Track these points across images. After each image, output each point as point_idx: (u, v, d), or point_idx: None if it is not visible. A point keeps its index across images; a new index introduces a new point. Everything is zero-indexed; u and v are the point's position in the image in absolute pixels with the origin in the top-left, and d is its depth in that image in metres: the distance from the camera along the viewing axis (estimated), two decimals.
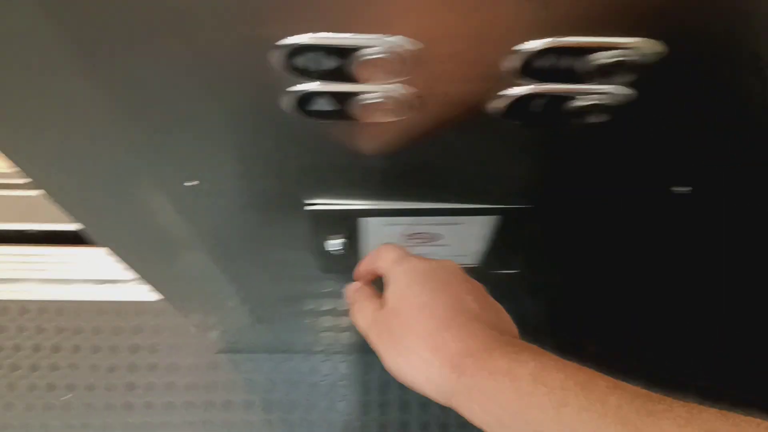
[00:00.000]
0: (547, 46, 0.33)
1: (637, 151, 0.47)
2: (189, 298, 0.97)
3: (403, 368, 0.41)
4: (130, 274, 1.32)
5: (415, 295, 0.43)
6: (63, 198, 0.56)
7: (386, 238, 0.64)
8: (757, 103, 0.40)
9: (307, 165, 0.49)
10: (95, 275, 1.41)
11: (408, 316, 0.42)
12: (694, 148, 0.47)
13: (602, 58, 0.34)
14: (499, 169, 0.50)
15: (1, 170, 1.40)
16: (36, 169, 0.52)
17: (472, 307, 0.42)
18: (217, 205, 0.57)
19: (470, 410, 0.37)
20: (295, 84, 0.38)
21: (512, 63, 0.35)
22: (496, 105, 0.39)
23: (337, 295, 0.90)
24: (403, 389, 1.29)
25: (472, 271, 0.73)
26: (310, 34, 0.33)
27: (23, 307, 1.38)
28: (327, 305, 0.99)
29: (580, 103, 0.38)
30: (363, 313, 0.47)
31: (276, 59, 0.35)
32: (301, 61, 0.35)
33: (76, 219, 0.60)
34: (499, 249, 0.66)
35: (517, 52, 0.34)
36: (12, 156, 0.49)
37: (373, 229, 0.61)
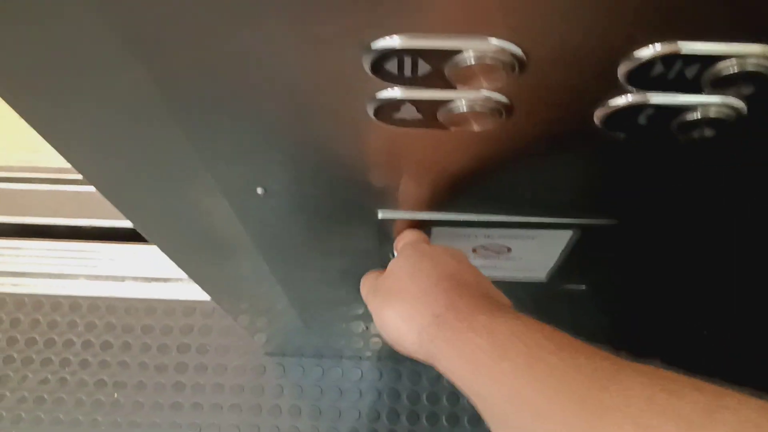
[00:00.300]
0: (664, 53, 0.30)
1: (740, 171, 0.44)
2: (238, 300, 0.96)
3: (387, 322, 0.44)
4: (180, 273, 1.33)
5: (411, 263, 0.47)
6: (117, 197, 0.55)
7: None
8: None
9: (386, 174, 0.47)
10: (146, 273, 1.42)
11: (400, 276, 0.46)
12: None
13: (725, 67, 0.31)
14: (585, 182, 0.47)
15: (53, 165, 1.42)
16: (93, 170, 0.50)
17: (466, 277, 0.44)
18: (284, 213, 0.55)
19: (447, 362, 0.38)
20: (382, 90, 0.35)
21: (622, 71, 0.32)
22: (597, 115, 0.36)
23: None
24: (453, 401, 1.26)
25: (539, 287, 0.71)
26: (403, 37, 0.31)
27: (74, 302, 1.38)
28: None
29: (691, 116, 0.35)
30: (366, 282, 0.54)
31: (367, 63, 0.32)
32: (391, 65, 0.33)
33: (128, 216, 0.59)
34: (572, 264, 0.63)
35: (630, 59, 0.31)
36: (68, 155, 0.48)
37: (443, 240, 0.58)
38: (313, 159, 0.45)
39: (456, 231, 0.57)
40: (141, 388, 1.30)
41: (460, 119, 0.36)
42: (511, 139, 0.40)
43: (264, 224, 0.58)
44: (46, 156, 1.42)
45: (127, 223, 1.42)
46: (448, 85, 0.34)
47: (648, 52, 0.31)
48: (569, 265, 0.63)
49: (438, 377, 1.28)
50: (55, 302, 1.38)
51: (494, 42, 0.30)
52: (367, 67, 0.33)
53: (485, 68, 0.31)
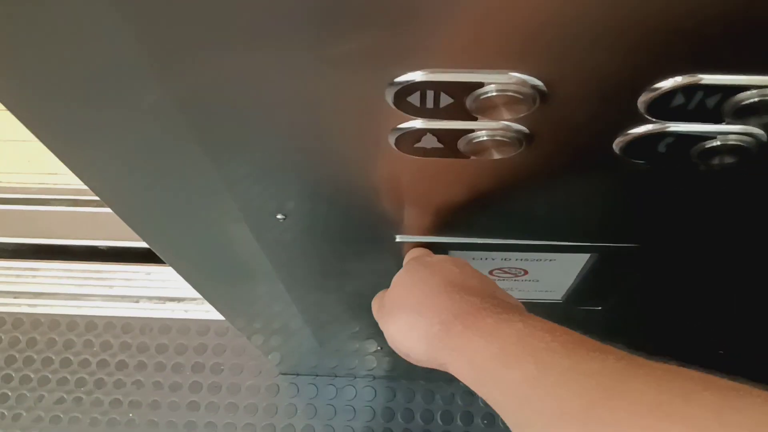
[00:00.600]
0: (685, 84, 0.31)
1: (759, 196, 0.44)
2: (253, 320, 0.96)
3: (396, 336, 0.44)
4: (195, 293, 1.33)
5: (411, 275, 0.47)
6: (135, 220, 0.56)
7: None
8: None
9: (405, 201, 0.47)
10: (161, 293, 1.42)
11: (402, 288, 0.46)
12: None
13: (746, 97, 0.31)
14: (605, 207, 0.47)
15: (70, 187, 1.43)
16: (113, 193, 0.51)
17: (469, 281, 0.44)
18: (303, 238, 0.56)
19: (458, 369, 0.38)
20: (404, 121, 0.36)
21: (643, 101, 0.33)
22: (617, 144, 0.36)
23: None
24: (467, 420, 1.26)
25: (554, 307, 0.71)
26: (426, 72, 0.31)
27: (91, 322, 1.39)
28: None
29: (711, 144, 0.35)
30: (375, 300, 0.53)
31: (390, 96, 0.33)
32: (413, 98, 0.33)
33: (145, 239, 0.59)
34: (589, 286, 0.63)
35: (650, 90, 0.32)
36: (88, 180, 0.49)
37: None
38: (333, 186, 0.46)
39: (473, 254, 0.57)
40: (156, 407, 1.31)
41: (481, 148, 0.37)
42: (530, 167, 0.40)
43: (282, 248, 0.59)
44: (63, 178, 1.44)
45: (142, 244, 1.43)
46: (469, 117, 0.34)
47: (669, 83, 0.31)
48: (586, 287, 0.63)
49: (452, 396, 1.28)
50: (71, 322, 1.39)
51: (516, 75, 0.31)
52: (390, 100, 0.33)
53: (507, 100, 0.32)
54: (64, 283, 1.43)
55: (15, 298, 1.43)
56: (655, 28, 0.28)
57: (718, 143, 0.35)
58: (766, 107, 0.31)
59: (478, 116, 0.34)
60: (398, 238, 0.54)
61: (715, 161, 0.36)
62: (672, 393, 0.28)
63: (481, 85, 0.31)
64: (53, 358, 1.36)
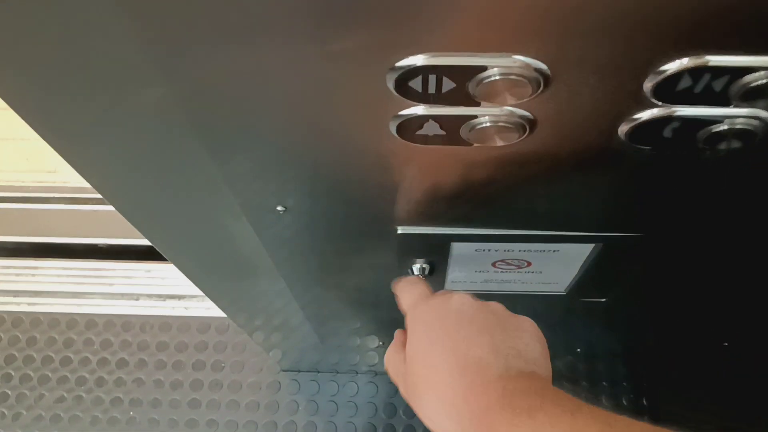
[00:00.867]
0: (692, 66, 0.30)
1: (766, 182, 0.44)
2: (254, 316, 0.96)
3: (427, 423, 0.41)
4: (194, 290, 1.33)
5: (424, 355, 0.42)
6: (136, 216, 0.55)
7: (474, 264, 0.61)
8: None
9: (406, 191, 0.46)
10: (161, 291, 1.42)
11: (419, 369, 0.42)
12: None
13: (754, 79, 0.31)
14: (609, 196, 0.47)
15: (69, 185, 1.43)
16: (114, 190, 0.51)
17: (481, 356, 0.40)
18: (303, 230, 0.55)
19: None
20: (405, 108, 0.35)
21: (649, 85, 0.32)
22: (621, 129, 0.36)
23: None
24: None
25: (558, 300, 0.70)
26: (428, 55, 0.31)
27: (91, 320, 1.39)
28: (396, 327, 0.97)
29: (717, 128, 0.34)
30: (390, 361, 0.48)
31: (391, 81, 0.32)
32: (415, 83, 0.33)
33: (146, 235, 0.58)
34: (593, 277, 0.63)
35: (656, 73, 0.31)
36: (89, 176, 0.48)
37: (462, 254, 0.58)
38: (333, 176, 0.45)
39: (475, 245, 0.56)
40: (156, 405, 1.30)
41: (484, 135, 0.36)
42: (533, 154, 0.40)
43: (283, 241, 0.58)
44: (62, 176, 1.43)
45: (141, 242, 1.43)
46: (472, 102, 0.34)
47: (675, 65, 0.30)
48: (590, 278, 0.63)
49: None
50: (71, 320, 1.39)
51: (519, 58, 0.30)
52: (391, 85, 0.33)
53: (510, 84, 0.31)
54: (64, 281, 1.43)
55: (14, 296, 1.42)
56: (661, 8, 0.27)
57: (725, 127, 0.34)
58: None
59: (481, 101, 0.33)
60: (400, 230, 0.53)
61: (722, 146, 0.36)
62: None
63: (484, 69, 0.31)
64: (53, 356, 1.36)
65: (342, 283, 0.73)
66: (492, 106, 0.34)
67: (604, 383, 1.22)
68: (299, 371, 1.33)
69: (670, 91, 0.32)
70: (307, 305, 0.83)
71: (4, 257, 1.47)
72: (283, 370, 1.33)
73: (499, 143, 0.37)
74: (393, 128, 0.37)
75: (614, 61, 0.31)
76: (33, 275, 1.44)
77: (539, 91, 0.32)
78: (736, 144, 0.35)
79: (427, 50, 0.30)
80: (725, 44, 0.29)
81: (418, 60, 0.31)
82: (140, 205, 0.54)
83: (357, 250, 0.60)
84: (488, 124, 0.35)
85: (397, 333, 0.50)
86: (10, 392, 1.32)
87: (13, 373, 1.34)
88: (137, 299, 1.41)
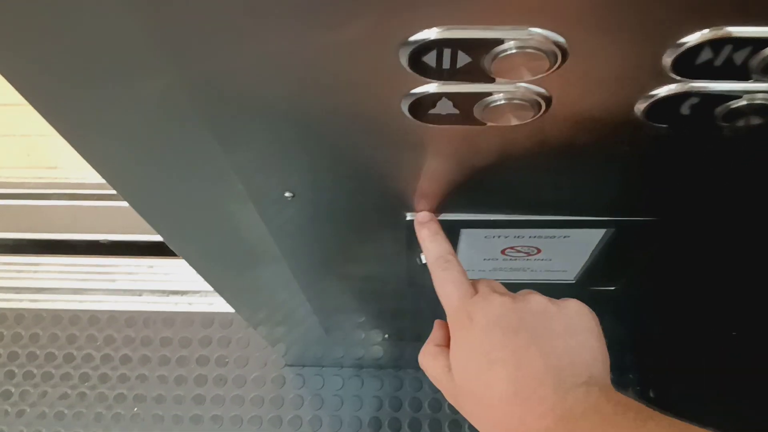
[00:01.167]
0: (714, 38, 0.30)
1: None
2: (261, 309, 0.95)
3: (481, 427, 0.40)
4: (198, 286, 1.32)
5: (475, 374, 0.40)
6: (145, 206, 0.55)
7: (483, 251, 0.61)
8: None
9: (416, 175, 0.46)
10: (164, 286, 1.41)
11: (471, 398, 0.40)
12: None
13: None
14: (624, 178, 0.46)
15: (70, 181, 1.42)
16: (122, 179, 0.50)
17: (532, 373, 0.37)
18: (311, 217, 0.55)
19: None
20: (418, 85, 0.34)
21: (668, 59, 0.31)
22: (639, 107, 0.35)
23: (414, 311, 0.87)
24: None
25: (567, 288, 0.69)
26: (442, 28, 0.30)
27: (93, 316, 1.38)
28: (401, 320, 0.96)
29: (737, 104, 0.34)
30: (431, 369, 0.44)
31: (404, 57, 0.32)
32: (429, 58, 0.32)
33: (155, 226, 0.58)
34: (603, 265, 0.62)
35: (676, 46, 0.30)
36: (101, 168, 0.48)
37: (471, 242, 0.57)
38: (342, 161, 0.45)
39: (485, 232, 0.56)
40: (161, 401, 1.30)
41: (498, 113, 0.35)
42: (548, 134, 0.39)
43: (290, 229, 0.57)
44: (62, 172, 1.43)
45: (144, 237, 1.42)
46: (487, 78, 0.33)
47: (696, 37, 0.30)
48: (600, 265, 0.62)
49: None
50: (74, 317, 1.38)
51: (537, 31, 0.30)
52: (404, 61, 0.32)
53: (527, 58, 0.31)
54: (66, 277, 1.42)
55: (17, 293, 1.42)
56: None
57: (744, 103, 0.34)
58: None
59: (496, 77, 0.33)
60: (408, 216, 0.53)
61: (741, 123, 0.35)
62: None
63: (500, 42, 0.30)
64: (56, 353, 1.35)
65: (348, 272, 0.72)
66: (507, 82, 0.33)
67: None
68: (304, 366, 1.32)
69: (689, 64, 0.31)
70: (313, 297, 0.82)
71: (6, 254, 1.46)
72: (288, 365, 1.32)
73: (514, 122, 0.36)
74: (405, 107, 0.36)
75: (633, 33, 0.30)
76: (35, 272, 1.43)
77: (556, 66, 0.31)
78: (755, 120, 0.35)
79: (442, 23, 0.30)
80: (747, 15, 0.29)
81: (432, 33, 0.30)
82: (146, 193, 0.53)
83: (365, 237, 0.60)
84: (503, 102, 0.35)
85: (438, 326, 0.47)
86: (13, 389, 1.32)
87: (16, 370, 1.34)
88: (140, 295, 1.41)
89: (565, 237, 0.56)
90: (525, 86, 0.34)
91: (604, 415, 0.34)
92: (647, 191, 0.48)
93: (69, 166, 1.41)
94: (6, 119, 1.44)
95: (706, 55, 0.31)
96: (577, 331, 0.40)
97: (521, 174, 0.45)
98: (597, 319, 0.42)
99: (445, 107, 0.36)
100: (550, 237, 0.56)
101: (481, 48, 0.31)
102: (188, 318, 1.37)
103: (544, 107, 0.35)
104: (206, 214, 0.57)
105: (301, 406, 1.29)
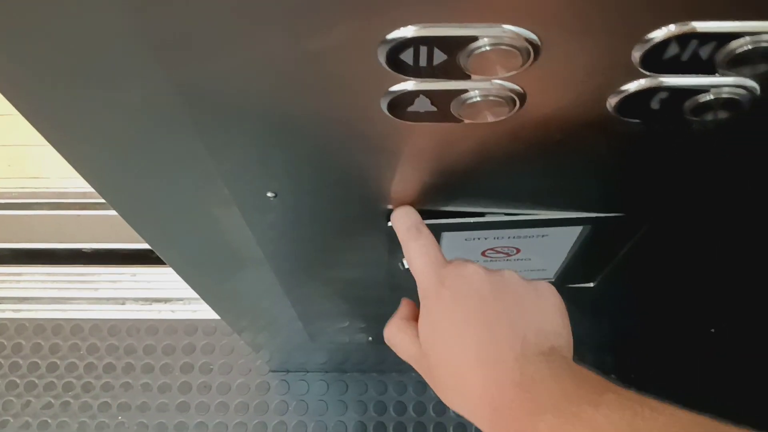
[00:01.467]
0: (679, 33, 0.31)
1: (750, 158, 0.44)
2: (246, 315, 0.96)
3: (449, 401, 0.40)
4: (181, 293, 1.32)
5: (444, 339, 0.40)
6: (129, 212, 0.55)
7: (463, 254, 0.61)
8: None
9: (396, 174, 0.47)
10: (147, 294, 1.41)
11: (438, 365, 0.41)
12: None
13: (739, 45, 0.31)
14: (597, 175, 0.47)
15: (53, 191, 1.42)
16: (107, 185, 0.50)
17: (498, 337, 0.38)
18: (293, 218, 0.55)
19: None
20: (396, 83, 0.35)
21: (636, 54, 0.32)
22: (610, 102, 0.36)
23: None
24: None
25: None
26: (418, 26, 0.31)
27: (77, 326, 1.38)
28: (385, 323, 0.97)
29: (705, 98, 0.35)
30: (399, 341, 0.46)
31: (382, 54, 0.33)
32: (406, 56, 0.33)
33: (135, 228, 0.58)
34: (581, 262, 0.63)
35: (644, 41, 0.32)
36: (84, 171, 0.48)
37: (452, 245, 0.58)
38: (323, 160, 0.45)
39: (466, 234, 0.57)
40: (145, 409, 1.29)
41: (474, 110, 0.36)
42: (524, 131, 0.40)
43: (274, 231, 0.58)
44: (44, 182, 1.42)
45: (126, 246, 1.42)
46: (463, 75, 0.34)
47: (662, 33, 0.31)
48: (578, 262, 0.63)
49: None
50: (57, 326, 1.38)
51: (509, 28, 0.31)
52: (382, 59, 0.33)
53: (500, 54, 0.32)
54: (49, 287, 1.42)
55: None
56: None
57: (712, 97, 0.35)
58: (759, 55, 0.31)
59: (472, 74, 0.33)
60: (390, 223, 0.53)
61: (709, 116, 0.36)
62: None
63: (474, 39, 0.31)
64: (39, 363, 1.34)
65: (331, 275, 0.73)
66: (482, 79, 0.34)
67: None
68: (288, 371, 1.32)
69: (657, 60, 0.32)
70: (296, 301, 0.82)
71: None
72: (272, 371, 1.32)
73: (490, 119, 0.37)
74: (385, 105, 0.37)
75: (602, 29, 0.31)
76: (17, 281, 1.42)
77: (529, 62, 0.32)
78: (722, 114, 0.36)
79: (418, 21, 0.31)
80: (711, 10, 0.30)
81: (408, 32, 0.31)
82: (131, 198, 0.53)
83: (347, 239, 0.60)
84: (478, 99, 0.36)
85: (405, 303, 0.48)
86: None
87: None
88: (123, 303, 1.40)
89: (543, 236, 0.57)
90: (500, 83, 0.35)
91: (563, 383, 0.35)
92: (621, 188, 0.49)
93: (50, 176, 1.41)
94: None
95: (673, 50, 0.32)
96: (545, 307, 0.41)
97: (499, 171, 0.46)
98: (563, 302, 0.43)
99: (423, 104, 0.37)
100: (529, 237, 0.57)
101: (456, 45, 0.32)
102: (172, 326, 1.37)
103: (518, 104, 0.36)
104: (190, 218, 0.57)
105: (286, 411, 1.29)
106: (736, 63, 0.32)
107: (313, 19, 0.31)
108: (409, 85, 0.35)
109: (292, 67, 0.35)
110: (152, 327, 1.37)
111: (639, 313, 0.87)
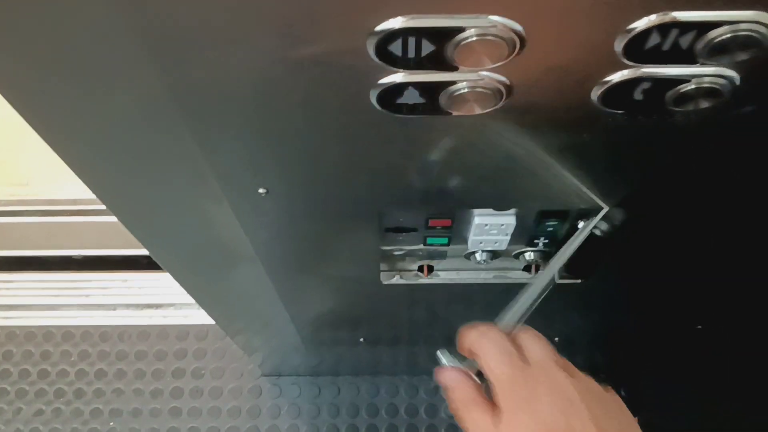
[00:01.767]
0: (659, 23, 0.32)
1: (733, 150, 0.45)
2: (239, 318, 0.96)
3: None
4: (172, 299, 1.32)
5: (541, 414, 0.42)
6: (125, 213, 0.56)
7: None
8: None
9: (387, 170, 0.47)
10: (138, 300, 1.41)
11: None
12: None
13: (719, 34, 0.32)
14: (584, 168, 0.48)
15: (43, 198, 1.41)
16: (100, 183, 0.51)
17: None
18: (285, 215, 0.56)
19: None
20: (386, 75, 0.36)
21: (619, 45, 0.33)
22: (595, 94, 0.37)
23: (389, 315, 0.88)
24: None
25: None
26: (406, 18, 0.32)
27: (68, 332, 1.37)
28: (377, 326, 0.97)
29: (686, 88, 0.36)
30: (478, 424, 0.45)
31: (371, 46, 0.33)
32: (395, 47, 0.34)
33: (128, 227, 0.59)
34: (572, 257, 0.64)
35: (626, 32, 0.32)
36: (78, 170, 0.49)
37: None
38: (314, 154, 0.46)
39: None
40: (137, 414, 1.29)
41: (462, 102, 0.37)
42: (510, 124, 0.41)
43: (265, 229, 0.58)
44: (34, 189, 1.42)
45: (117, 252, 1.41)
46: (450, 67, 0.35)
47: (643, 23, 0.32)
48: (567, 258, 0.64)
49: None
50: (48, 333, 1.37)
51: (495, 19, 0.31)
52: (371, 51, 0.34)
53: (487, 46, 0.32)
54: (39, 294, 1.41)
55: None
56: None
57: (693, 86, 0.36)
58: (737, 43, 0.32)
59: (459, 65, 0.34)
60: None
61: (690, 106, 0.37)
62: None
63: (461, 30, 0.32)
64: (30, 370, 1.34)
65: (323, 273, 0.73)
66: (470, 70, 0.35)
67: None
68: (280, 375, 1.32)
69: (639, 50, 0.33)
70: (289, 302, 0.83)
71: None
72: (264, 375, 1.32)
73: (477, 110, 0.38)
74: (374, 98, 0.38)
75: (585, 20, 0.32)
76: (7, 288, 1.42)
77: (515, 53, 0.33)
78: (704, 104, 0.37)
79: (406, 12, 0.31)
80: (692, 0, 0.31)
81: (396, 23, 0.32)
82: (125, 198, 0.54)
83: (338, 236, 0.61)
84: (466, 90, 0.36)
85: (460, 385, 0.48)
86: None
87: None
88: (114, 309, 1.40)
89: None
90: (487, 74, 0.36)
91: None
92: (605, 182, 0.50)
93: (40, 183, 1.41)
94: None
95: (654, 39, 0.33)
96: (619, 408, 0.44)
97: (486, 165, 0.47)
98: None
99: (412, 96, 0.37)
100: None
101: (443, 36, 0.32)
102: (163, 331, 1.37)
103: (505, 95, 0.37)
104: (183, 216, 0.58)
105: (279, 415, 1.29)
106: (716, 52, 0.33)
107: (302, 13, 0.32)
108: (398, 77, 0.36)
109: (282, 62, 0.35)
110: (143, 332, 1.37)
111: (628, 310, 0.88)
